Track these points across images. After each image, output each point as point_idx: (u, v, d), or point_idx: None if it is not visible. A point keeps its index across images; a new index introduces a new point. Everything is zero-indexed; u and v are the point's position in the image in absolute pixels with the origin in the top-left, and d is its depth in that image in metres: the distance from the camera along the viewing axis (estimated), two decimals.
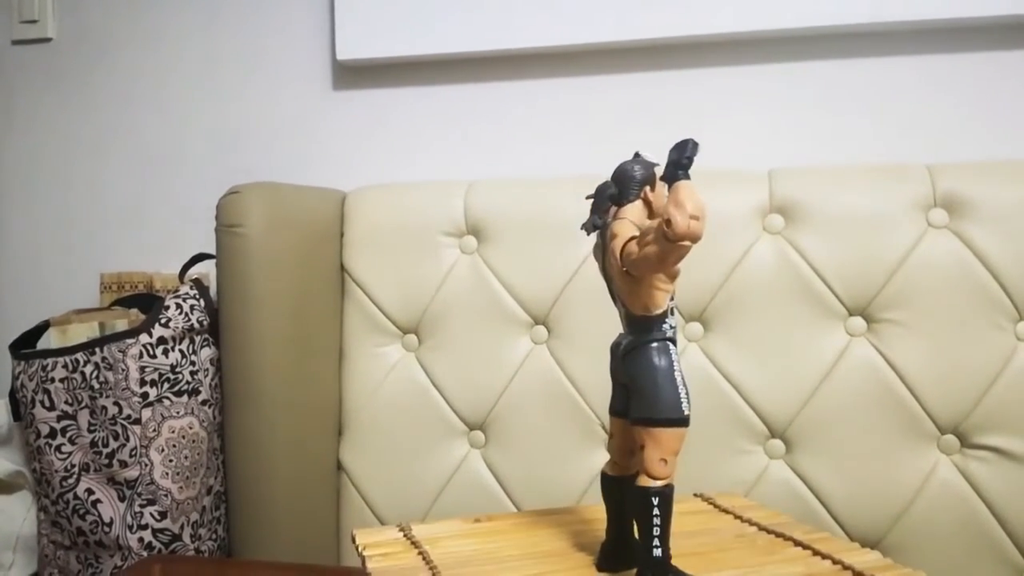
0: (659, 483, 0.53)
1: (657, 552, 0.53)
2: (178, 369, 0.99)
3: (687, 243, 0.51)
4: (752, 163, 1.05)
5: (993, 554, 0.92)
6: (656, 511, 0.53)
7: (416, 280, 1.08)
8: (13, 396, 1.03)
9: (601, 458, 0.94)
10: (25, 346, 1.04)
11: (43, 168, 1.37)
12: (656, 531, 0.53)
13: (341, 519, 1.09)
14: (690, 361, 0.99)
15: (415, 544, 0.61)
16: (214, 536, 1.03)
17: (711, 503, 0.71)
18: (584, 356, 1.02)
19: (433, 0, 1.16)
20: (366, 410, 1.08)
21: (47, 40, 1.36)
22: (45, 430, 0.98)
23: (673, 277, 0.55)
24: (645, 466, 0.54)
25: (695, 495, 0.73)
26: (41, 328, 1.06)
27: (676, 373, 0.53)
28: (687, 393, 0.53)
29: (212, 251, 1.02)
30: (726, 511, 0.68)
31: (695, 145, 0.53)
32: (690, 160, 0.53)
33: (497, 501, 1.03)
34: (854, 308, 0.97)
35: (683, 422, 0.53)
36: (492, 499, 1.03)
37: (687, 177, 0.52)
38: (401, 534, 0.63)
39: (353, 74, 1.24)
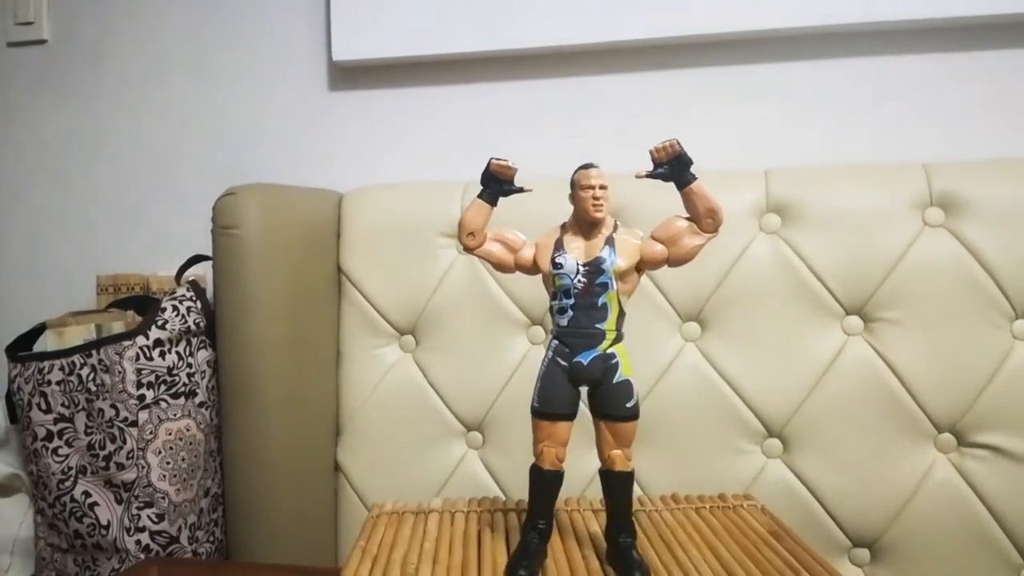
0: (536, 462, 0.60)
1: (527, 524, 0.61)
2: (175, 371, 0.99)
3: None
4: (749, 163, 1.05)
5: (990, 551, 0.92)
6: (530, 486, 0.61)
7: (413, 281, 1.08)
8: (9, 399, 1.03)
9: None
10: (21, 348, 1.04)
11: (39, 170, 1.37)
12: (527, 503, 0.61)
13: (339, 520, 1.09)
14: (687, 361, 0.99)
15: None
16: (212, 538, 1.03)
17: None
18: None
19: (429, 1, 1.16)
20: (363, 411, 1.08)
21: (42, 42, 1.36)
22: (42, 433, 0.98)
23: (546, 281, 0.64)
24: None
25: None
26: (37, 330, 1.05)
27: (541, 366, 0.61)
28: (540, 387, 0.60)
29: (209, 253, 1.02)
30: None
31: (487, 163, 0.59)
32: (483, 181, 0.59)
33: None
34: (851, 307, 0.97)
35: (533, 412, 0.60)
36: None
37: (481, 196, 0.60)
38: None
39: (349, 75, 1.24)
